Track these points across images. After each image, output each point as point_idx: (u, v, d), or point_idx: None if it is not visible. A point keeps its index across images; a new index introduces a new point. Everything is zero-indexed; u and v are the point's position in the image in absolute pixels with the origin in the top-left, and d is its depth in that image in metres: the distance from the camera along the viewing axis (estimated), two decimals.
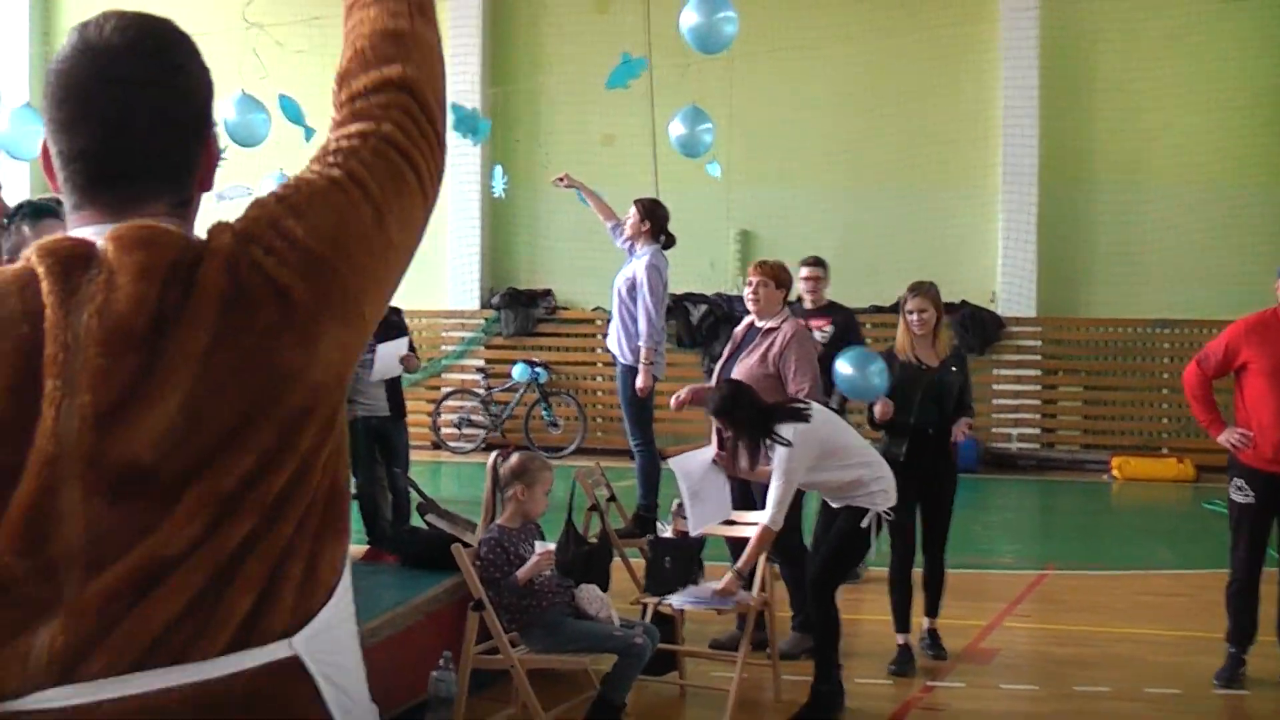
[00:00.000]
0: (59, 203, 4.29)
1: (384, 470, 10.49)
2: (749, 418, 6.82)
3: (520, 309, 18.56)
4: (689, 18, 8.86)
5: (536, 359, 18.12)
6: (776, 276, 8.07)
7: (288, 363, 1.81)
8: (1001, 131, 17.36)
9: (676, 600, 7.09)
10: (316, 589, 1.87)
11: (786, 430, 6.69)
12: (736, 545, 7.38)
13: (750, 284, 8.07)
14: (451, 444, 18.34)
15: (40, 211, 4.91)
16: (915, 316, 7.89)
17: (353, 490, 10.27)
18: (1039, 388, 17.57)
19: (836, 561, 7.14)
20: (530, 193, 18.29)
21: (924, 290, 7.96)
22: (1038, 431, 17.53)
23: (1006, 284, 17.33)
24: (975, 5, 17.57)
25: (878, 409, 7.84)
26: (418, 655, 6.59)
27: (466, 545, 6.42)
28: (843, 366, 7.78)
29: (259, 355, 1.79)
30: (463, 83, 18.47)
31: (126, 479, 1.74)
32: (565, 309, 18.64)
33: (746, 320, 8.19)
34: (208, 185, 2.00)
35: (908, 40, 17.45)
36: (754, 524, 7.34)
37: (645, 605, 7.24)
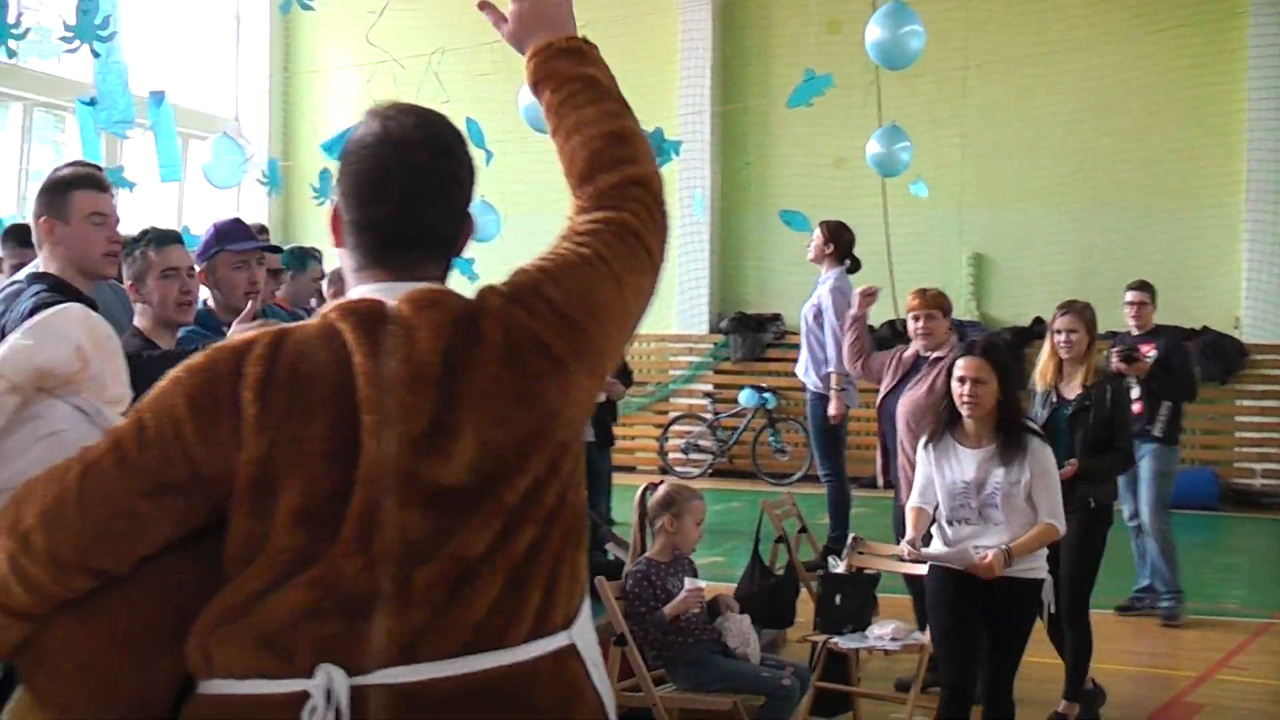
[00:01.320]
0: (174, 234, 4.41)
1: (590, 496, 10.48)
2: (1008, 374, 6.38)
3: (749, 333, 18.38)
4: (873, 32, 8.60)
5: (764, 384, 17.92)
6: (942, 306, 7.79)
7: (551, 403, 2.26)
8: (1245, 145, 16.49)
9: (845, 640, 6.84)
10: (577, 589, 2.33)
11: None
12: (915, 582, 7.08)
13: (917, 316, 7.74)
14: (678, 469, 18.24)
15: (165, 239, 5.07)
16: (1063, 337, 7.40)
17: None
18: None
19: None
20: (759, 215, 18.13)
21: (1075, 308, 7.45)
22: None
23: (1251, 307, 16.40)
24: (1219, 7, 16.74)
25: None
26: None
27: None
28: None
29: (530, 396, 2.24)
30: (692, 103, 18.45)
31: (433, 493, 2.17)
32: (794, 333, 18.31)
33: (912, 349, 7.88)
34: (460, 252, 2.45)
35: (1147, 48, 16.74)
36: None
37: (815, 644, 7.00)
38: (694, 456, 18.28)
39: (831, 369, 9.37)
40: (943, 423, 6.14)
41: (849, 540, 7.55)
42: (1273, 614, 10.13)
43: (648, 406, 19.02)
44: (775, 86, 18.33)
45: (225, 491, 2.20)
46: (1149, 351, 9.37)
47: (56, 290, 4.62)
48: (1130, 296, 9.94)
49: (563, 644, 2.27)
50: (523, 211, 15.23)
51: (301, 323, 2.33)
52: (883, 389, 8.03)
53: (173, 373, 2.26)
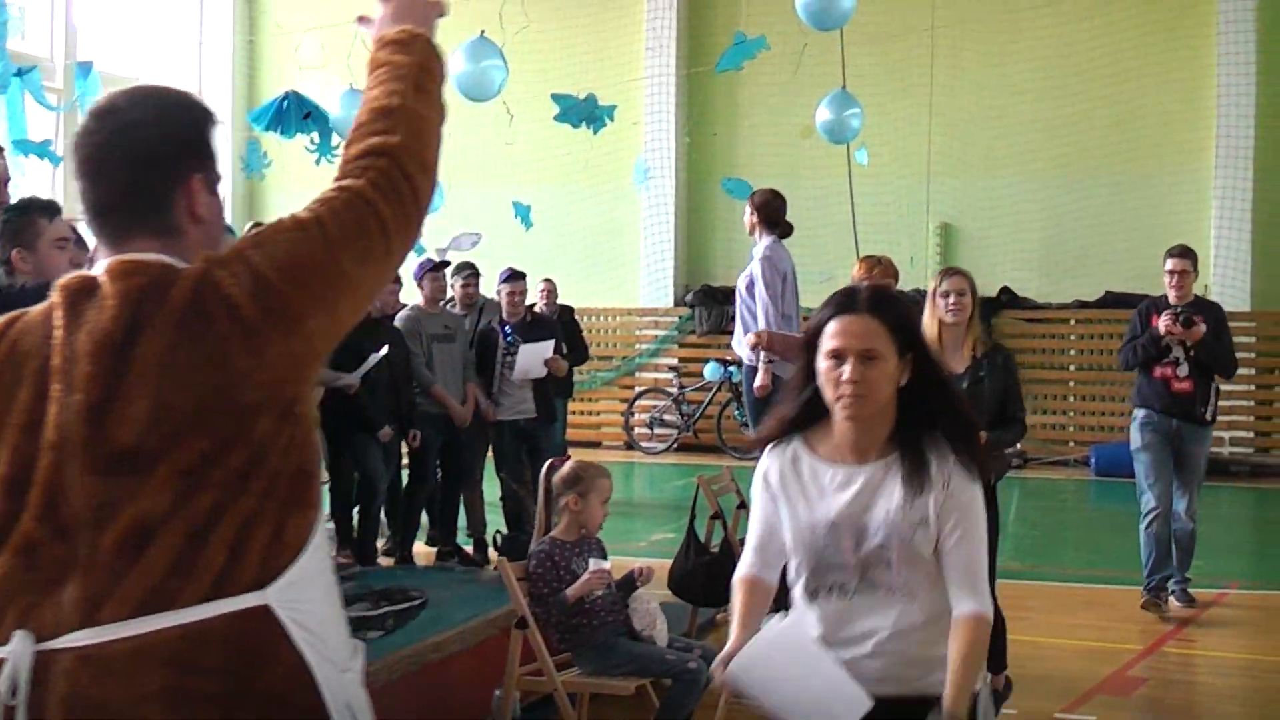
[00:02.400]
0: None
1: (532, 474, 10.25)
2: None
3: (714, 306, 18.13)
4: None
5: (729, 358, 17.68)
6: (895, 274, 7.56)
7: (238, 365, 2.23)
8: (1215, 111, 16.28)
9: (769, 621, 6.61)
10: (284, 550, 2.26)
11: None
12: None
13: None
14: (644, 444, 18.09)
15: (55, 209, 5.28)
16: (951, 299, 6.68)
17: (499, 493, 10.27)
18: (1253, 388, 16.35)
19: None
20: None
21: (961, 271, 6.87)
22: (1251, 435, 16.38)
23: (1220, 275, 16.20)
24: None
25: None
26: (488, 672, 6.31)
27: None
28: None
29: (214, 359, 2.22)
30: (657, 71, 18.20)
31: (112, 458, 2.20)
32: None
33: None
34: (200, 216, 2.41)
35: (1116, 12, 16.52)
36: None
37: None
38: (659, 431, 18.09)
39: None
40: (792, 428, 3.70)
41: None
42: (1229, 584, 9.92)
43: (613, 381, 18.83)
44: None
45: None
46: (1201, 323, 8.67)
47: None
48: (1171, 264, 8.88)
49: (251, 604, 2.23)
50: (465, 183, 15.02)
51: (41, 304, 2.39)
52: None
53: None
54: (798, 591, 3.63)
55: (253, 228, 8.44)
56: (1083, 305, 16.50)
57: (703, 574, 7.39)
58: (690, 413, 17.78)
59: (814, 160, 16.24)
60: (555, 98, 10.22)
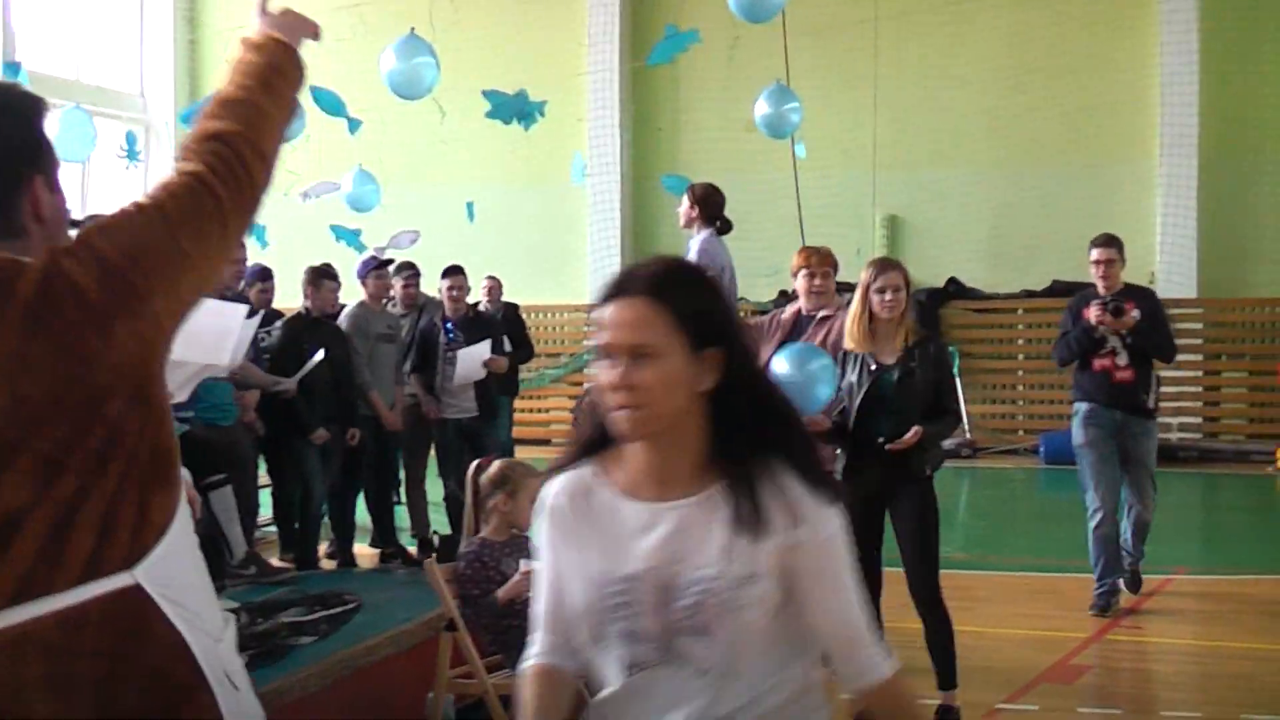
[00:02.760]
0: None
1: None
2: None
3: None
4: None
5: None
6: (834, 263, 7.43)
7: (87, 349, 2.26)
8: (1159, 100, 16.33)
9: None
10: (149, 529, 2.32)
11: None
12: None
13: (812, 274, 7.35)
14: None
15: None
16: (887, 296, 6.50)
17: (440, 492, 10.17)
18: (1200, 374, 16.48)
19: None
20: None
21: (897, 264, 6.71)
22: (1199, 421, 16.45)
23: (1166, 263, 16.28)
24: None
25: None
26: (425, 674, 6.21)
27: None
28: (779, 365, 6.43)
29: (63, 344, 2.25)
30: (600, 63, 18.12)
31: None
32: None
33: (793, 308, 7.54)
34: (43, 216, 2.45)
35: (1060, 7, 16.54)
36: None
37: None
38: None
39: None
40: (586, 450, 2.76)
41: None
42: (1175, 570, 9.91)
43: (561, 378, 18.77)
44: (689, 51, 18.02)
45: None
46: (1133, 310, 8.45)
47: None
48: (1096, 254, 8.67)
49: (123, 584, 2.28)
50: (403, 180, 14.87)
51: None
52: (765, 354, 7.65)
53: None
54: (596, 659, 2.71)
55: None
56: (1030, 295, 16.51)
57: None
58: None
59: (758, 154, 16.18)
60: (486, 94, 10.11)
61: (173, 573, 2.36)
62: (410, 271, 10.84)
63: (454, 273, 10.23)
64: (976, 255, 17.09)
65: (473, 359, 9.80)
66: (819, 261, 7.29)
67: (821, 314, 7.31)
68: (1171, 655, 7.99)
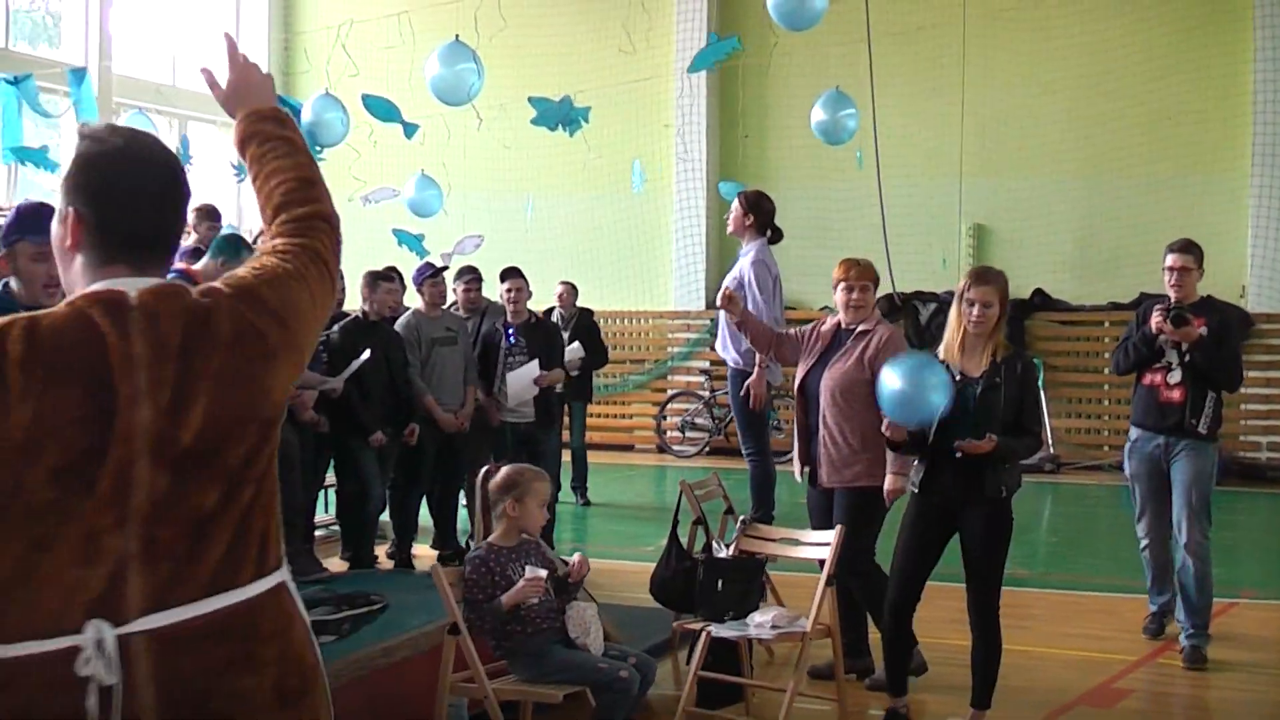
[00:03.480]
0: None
1: None
2: None
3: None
4: None
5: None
6: (875, 278, 7.33)
7: (264, 384, 2.66)
8: (1252, 108, 15.91)
9: (722, 629, 6.46)
10: (281, 538, 2.75)
11: None
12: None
13: (850, 287, 7.20)
14: (675, 448, 17.98)
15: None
16: (974, 310, 6.35)
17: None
18: None
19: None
20: (756, 189, 17.72)
21: (990, 277, 6.47)
22: None
23: (1258, 276, 15.86)
24: None
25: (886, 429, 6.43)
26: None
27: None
28: (890, 379, 6.17)
29: (249, 377, 2.63)
30: (687, 76, 18.06)
31: (175, 455, 2.51)
32: (793, 309, 17.92)
33: (833, 321, 7.44)
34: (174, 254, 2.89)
35: (1150, 9, 16.20)
36: (823, 543, 6.69)
37: (694, 632, 6.63)
38: (690, 434, 17.96)
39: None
40: None
41: (737, 522, 7.18)
42: (1242, 593, 9.60)
43: (645, 384, 18.72)
44: (775, 57, 17.91)
45: None
46: (1201, 325, 7.72)
47: None
48: (1169, 260, 7.95)
49: (278, 580, 2.69)
50: (464, 188, 14.88)
51: (50, 309, 2.58)
52: (802, 367, 7.56)
53: None
54: None
55: (257, 238, 8.48)
56: (1117, 307, 16.14)
57: (683, 580, 7.22)
58: (722, 416, 17.58)
59: (843, 161, 16.01)
60: (532, 100, 10.11)
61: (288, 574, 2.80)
62: (470, 275, 10.85)
63: (512, 275, 10.20)
64: (1062, 266, 16.78)
65: (523, 379, 9.78)
66: (857, 275, 7.19)
67: (860, 328, 7.21)
68: (1223, 682, 7.66)
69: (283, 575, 2.71)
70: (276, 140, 3.02)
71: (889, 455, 6.76)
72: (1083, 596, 9.77)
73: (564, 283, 13.83)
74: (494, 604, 5.64)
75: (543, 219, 17.71)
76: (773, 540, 7.00)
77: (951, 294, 15.45)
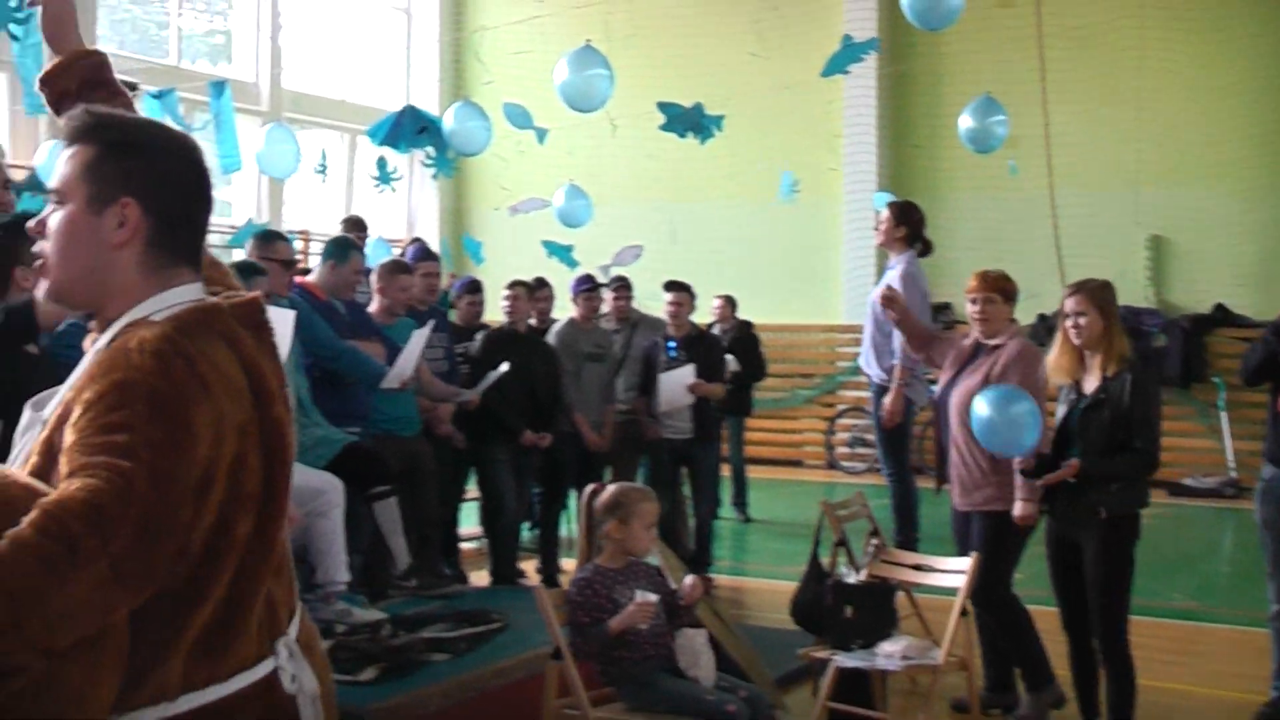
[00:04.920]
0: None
1: (693, 492, 9.96)
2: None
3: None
4: None
5: (933, 376, 17.06)
6: (1003, 289, 6.87)
7: None
8: None
9: (849, 658, 6.16)
10: None
11: None
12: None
13: (974, 299, 6.87)
14: (845, 464, 17.63)
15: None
16: (1070, 321, 6.20)
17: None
18: None
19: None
20: (929, 200, 17.23)
21: (1086, 288, 6.21)
22: None
23: None
24: None
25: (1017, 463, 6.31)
26: None
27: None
28: (980, 408, 6.19)
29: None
30: (857, 71, 17.68)
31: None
32: (964, 323, 17.46)
33: (972, 337, 7.10)
34: None
35: None
36: (958, 570, 6.37)
37: (818, 661, 6.36)
38: (860, 451, 17.60)
39: (896, 360, 8.66)
40: None
41: (871, 546, 6.88)
42: None
43: (814, 399, 18.39)
44: (944, 64, 17.49)
45: (205, 486, 2.24)
46: None
47: None
48: None
49: None
50: (613, 198, 14.72)
51: (193, 322, 2.32)
52: (941, 381, 7.26)
53: (135, 379, 2.20)
54: None
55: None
56: None
57: (829, 599, 6.95)
58: None
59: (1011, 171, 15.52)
60: (661, 106, 9.90)
61: None
62: (621, 284, 10.69)
63: (676, 288, 9.95)
64: (1245, 280, 16.04)
65: (675, 382, 9.52)
66: (980, 286, 6.85)
67: (992, 343, 6.88)
68: None
69: None
70: (122, 96, 2.89)
71: (1017, 480, 6.43)
72: (1256, 633, 9.19)
73: (721, 296, 13.60)
74: (600, 628, 5.42)
75: (697, 230, 17.51)
76: (905, 565, 6.70)
77: (1129, 308, 14.88)
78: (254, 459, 2.33)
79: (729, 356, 12.21)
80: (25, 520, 2.05)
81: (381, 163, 10.61)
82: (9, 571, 2.00)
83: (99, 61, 2.90)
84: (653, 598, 5.47)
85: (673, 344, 9.73)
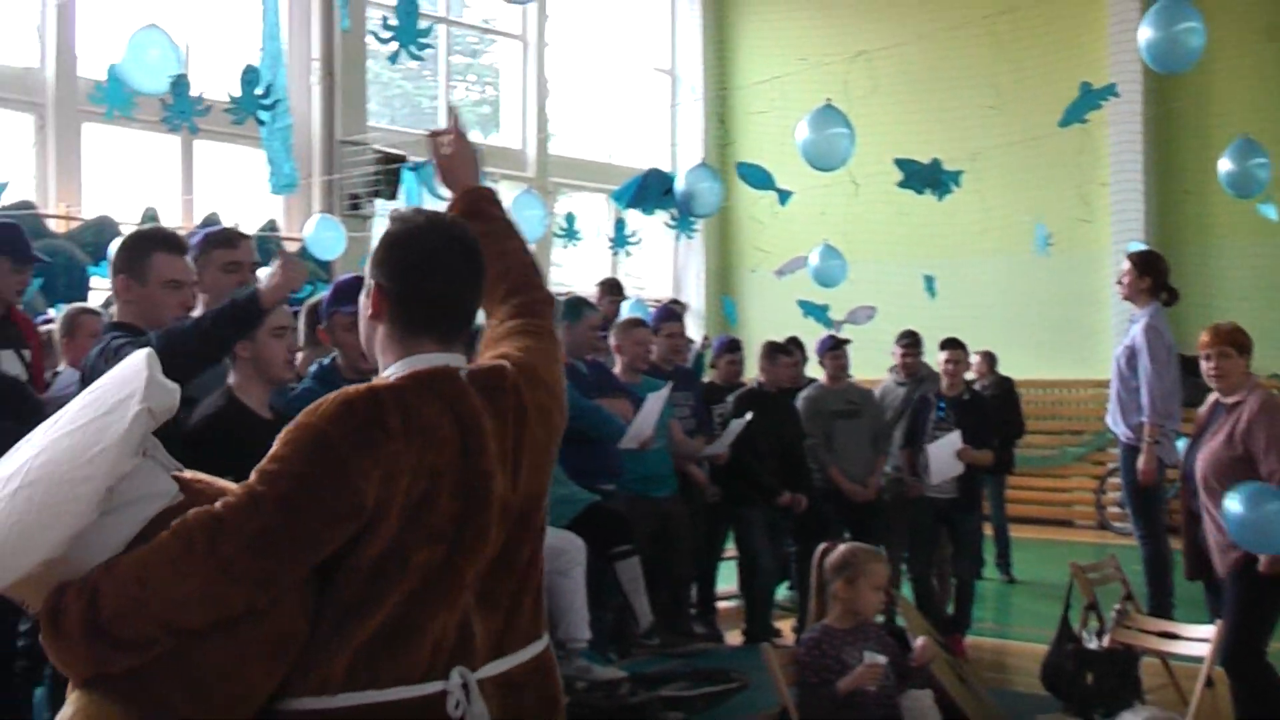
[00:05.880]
0: None
1: (954, 555, 9.67)
2: None
3: (1188, 379, 16.80)
4: (1144, 33, 7.56)
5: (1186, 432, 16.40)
6: (1236, 342, 6.53)
7: (552, 456, 2.97)
8: None
9: None
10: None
11: None
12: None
13: (1208, 356, 6.55)
14: (1115, 525, 17.03)
15: None
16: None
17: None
18: None
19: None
20: (1200, 248, 16.72)
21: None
22: None
23: None
24: None
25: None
26: None
27: None
28: (1231, 504, 6.06)
29: (546, 449, 2.93)
30: (1121, 116, 17.24)
31: (514, 519, 2.81)
32: None
33: (1211, 399, 6.79)
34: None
35: None
36: (1203, 639, 6.13)
37: None
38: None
39: (1145, 418, 8.34)
40: None
41: (1114, 611, 6.65)
42: None
43: (1084, 457, 17.86)
44: (1214, 103, 16.88)
45: (374, 518, 2.61)
46: None
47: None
48: None
49: (546, 640, 2.95)
50: (866, 258, 14.59)
51: (390, 383, 2.74)
52: (1185, 449, 7.01)
53: (313, 422, 2.62)
54: None
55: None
56: None
57: (1069, 665, 6.77)
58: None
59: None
60: (898, 162, 9.82)
61: None
62: (908, 340, 10.59)
63: (951, 346, 9.68)
64: None
65: (945, 451, 9.19)
66: (1211, 340, 6.54)
67: (1231, 401, 6.57)
68: None
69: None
70: (497, 220, 3.33)
71: None
72: None
73: (980, 352, 13.37)
74: (829, 689, 5.39)
75: (952, 286, 17.25)
76: (1150, 632, 6.46)
77: None
78: (446, 500, 2.67)
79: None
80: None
81: (619, 224, 10.80)
82: (145, 561, 2.49)
83: (477, 196, 3.37)
84: (881, 659, 5.42)
85: (943, 403, 9.49)
